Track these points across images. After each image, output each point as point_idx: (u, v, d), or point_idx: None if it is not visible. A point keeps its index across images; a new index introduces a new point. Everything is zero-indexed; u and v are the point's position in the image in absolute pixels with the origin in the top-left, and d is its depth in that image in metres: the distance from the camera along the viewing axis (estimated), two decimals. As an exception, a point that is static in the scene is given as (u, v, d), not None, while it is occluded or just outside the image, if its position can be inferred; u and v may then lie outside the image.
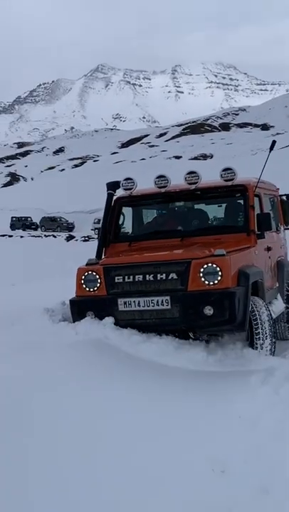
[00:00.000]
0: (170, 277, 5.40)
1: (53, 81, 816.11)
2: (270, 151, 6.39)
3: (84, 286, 5.73)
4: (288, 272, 7.29)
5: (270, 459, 3.42)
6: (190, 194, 6.47)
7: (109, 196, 6.62)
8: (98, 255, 6.43)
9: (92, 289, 5.70)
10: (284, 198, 7.57)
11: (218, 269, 5.29)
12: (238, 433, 3.67)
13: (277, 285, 6.97)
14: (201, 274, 5.33)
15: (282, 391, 4.31)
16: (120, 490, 3.03)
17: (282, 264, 7.14)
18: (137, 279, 5.49)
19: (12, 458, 3.21)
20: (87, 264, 5.85)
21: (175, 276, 5.39)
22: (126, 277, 5.54)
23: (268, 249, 6.61)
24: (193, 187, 6.31)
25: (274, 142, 6.51)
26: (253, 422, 3.84)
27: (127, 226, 6.82)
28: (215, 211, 6.73)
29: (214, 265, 5.30)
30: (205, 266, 5.31)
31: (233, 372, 4.85)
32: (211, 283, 5.31)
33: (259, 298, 5.79)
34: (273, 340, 5.67)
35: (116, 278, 5.58)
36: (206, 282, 5.32)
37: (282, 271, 7.08)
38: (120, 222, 6.70)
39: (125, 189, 6.52)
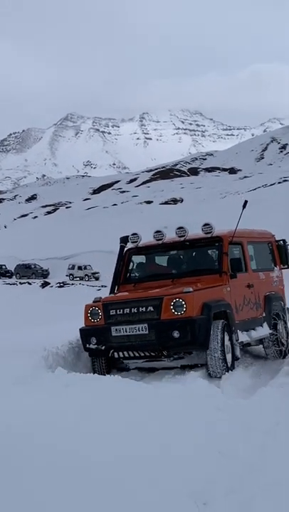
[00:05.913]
0: (148, 310, 7.09)
1: (23, 130, 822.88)
2: (242, 210, 7.79)
3: (90, 318, 7.48)
4: (276, 305, 8.78)
5: (250, 491, 3.58)
6: (181, 244, 8.18)
7: (121, 248, 8.48)
8: (111, 293, 8.17)
9: (95, 320, 7.43)
10: (281, 242, 9.23)
11: (183, 302, 6.95)
12: (218, 467, 3.82)
13: (264, 315, 8.46)
14: (172, 307, 6.98)
15: (254, 425, 4.55)
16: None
17: (269, 298, 8.68)
18: (125, 312, 7.20)
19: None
20: (93, 302, 7.57)
21: (152, 309, 7.08)
22: (118, 310, 7.27)
23: (249, 286, 8.11)
24: (182, 239, 8.07)
25: (246, 202, 8.11)
26: (232, 455, 4.00)
27: (134, 271, 8.52)
28: (199, 257, 8.33)
29: (180, 299, 6.97)
30: (174, 300, 7.00)
31: (209, 407, 5.02)
32: (179, 313, 6.95)
33: (218, 321, 7.14)
34: (224, 354, 7.03)
35: (111, 311, 7.31)
36: (175, 313, 6.97)
37: (269, 303, 8.62)
38: (130, 267, 8.44)
39: (132, 242, 8.32)
